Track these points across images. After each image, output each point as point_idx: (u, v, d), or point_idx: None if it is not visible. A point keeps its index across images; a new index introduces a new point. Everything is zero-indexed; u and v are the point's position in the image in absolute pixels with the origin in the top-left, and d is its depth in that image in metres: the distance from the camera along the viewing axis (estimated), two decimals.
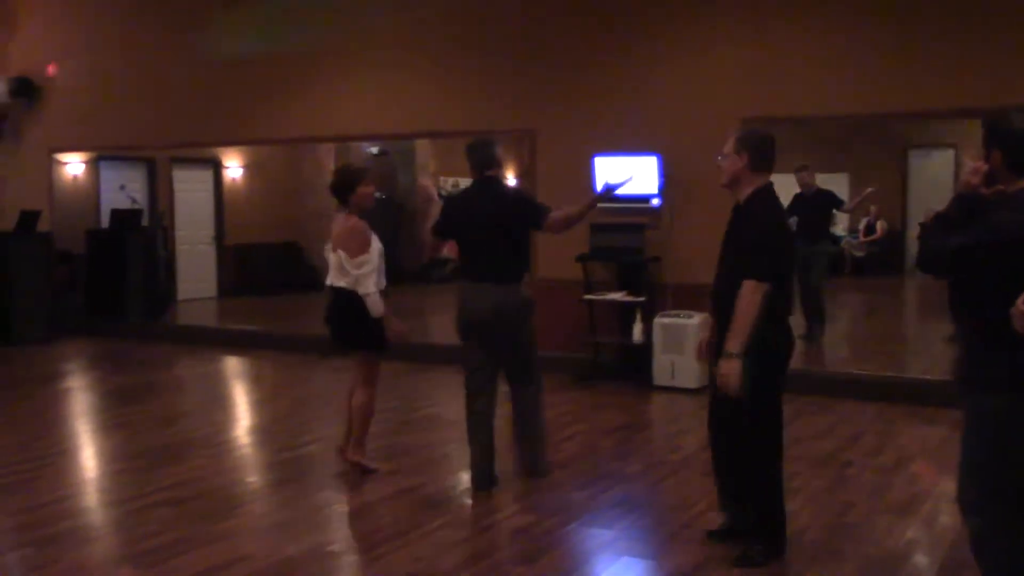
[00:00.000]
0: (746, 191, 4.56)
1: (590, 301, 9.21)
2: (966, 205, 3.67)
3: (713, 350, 4.67)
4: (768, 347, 4.46)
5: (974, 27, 7.95)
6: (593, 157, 9.02)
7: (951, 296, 3.66)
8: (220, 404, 9.38)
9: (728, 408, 4.58)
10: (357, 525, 5.44)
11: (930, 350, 10.63)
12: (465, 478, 6.20)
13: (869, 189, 12.05)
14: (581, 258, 9.18)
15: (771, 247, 4.47)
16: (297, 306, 15.21)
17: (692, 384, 8.58)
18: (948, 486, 5.73)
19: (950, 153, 19.53)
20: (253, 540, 5.17)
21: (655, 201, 8.94)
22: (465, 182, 19.95)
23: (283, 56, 11.14)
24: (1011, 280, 3.37)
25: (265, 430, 7.93)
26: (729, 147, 4.58)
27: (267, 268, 16.30)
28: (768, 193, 4.58)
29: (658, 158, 8.86)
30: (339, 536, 5.33)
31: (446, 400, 9.01)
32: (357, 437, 6.19)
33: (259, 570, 4.65)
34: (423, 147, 18.94)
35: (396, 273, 18.53)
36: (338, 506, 5.73)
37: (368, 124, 10.95)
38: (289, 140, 12.87)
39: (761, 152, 4.55)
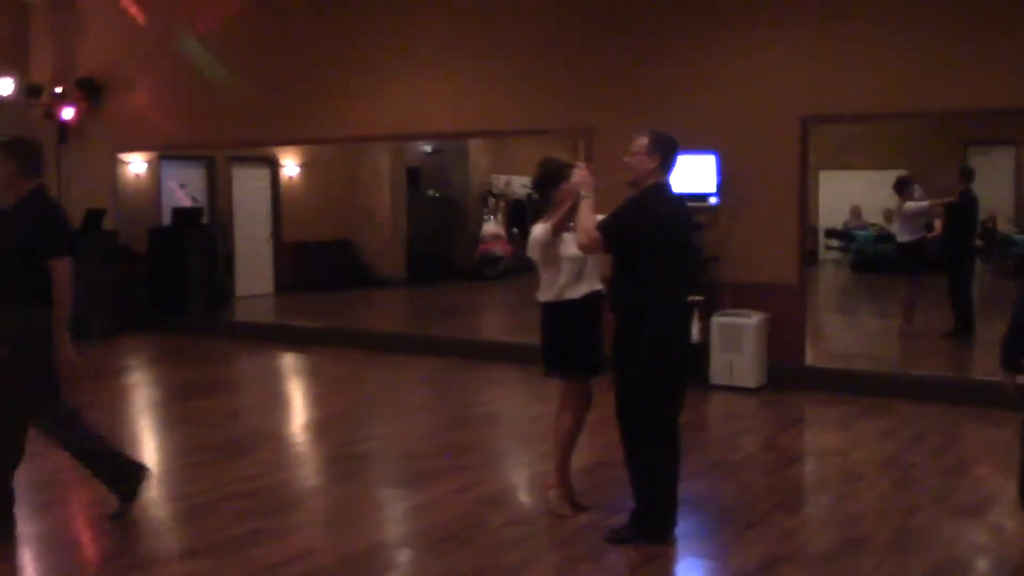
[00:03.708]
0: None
1: None
2: None
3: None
4: (624, 342, 4.78)
5: None
6: None
7: None
8: (281, 400, 9.52)
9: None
10: (419, 521, 5.48)
11: (993, 350, 10.46)
12: (526, 475, 6.25)
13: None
14: None
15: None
16: (352, 302, 15.38)
17: (751, 383, 8.54)
18: (1012, 487, 5.68)
19: (1011, 149, 19.22)
20: (319, 535, 5.26)
21: (713, 200, 8.90)
22: (518, 180, 19.94)
23: (339, 56, 11.25)
24: None
25: (326, 426, 8.02)
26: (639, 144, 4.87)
27: (323, 265, 16.48)
28: None
29: (716, 156, 8.81)
30: (402, 532, 5.38)
31: (501, 397, 9.08)
32: (554, 466, 5.48)
33: (326, 565, 4.72)
34: (477, 145, 19.03)
35: (450, 271, 18.78)
36: (400, 502, 5.78)
37: (424, 123, 11.00)
38: (345, 139, 12.99)
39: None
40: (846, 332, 12.14)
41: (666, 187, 4.95)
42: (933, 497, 5.78)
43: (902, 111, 8.95)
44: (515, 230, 19.88)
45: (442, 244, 18.76)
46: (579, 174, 5.04)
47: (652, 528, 4.92)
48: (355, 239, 17.42)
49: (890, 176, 12.30)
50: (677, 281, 4.94)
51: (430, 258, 18.23)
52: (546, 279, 5.27)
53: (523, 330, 12.70)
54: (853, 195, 19.66)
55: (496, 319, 15.01)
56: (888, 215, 16.17)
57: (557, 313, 5.26)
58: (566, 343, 5.25)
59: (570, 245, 5.12)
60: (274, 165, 16.21)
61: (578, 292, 5.20)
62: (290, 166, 16.44)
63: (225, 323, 13.10)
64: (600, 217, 4.92)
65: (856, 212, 19.43)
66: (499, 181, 20.11)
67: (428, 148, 18.83)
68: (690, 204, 5.52)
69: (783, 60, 8.77)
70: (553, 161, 5.39)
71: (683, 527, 5.06)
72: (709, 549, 4.97)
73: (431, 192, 19.14)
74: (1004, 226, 18.49)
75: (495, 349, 10.63)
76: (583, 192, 4.92)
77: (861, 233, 19.02)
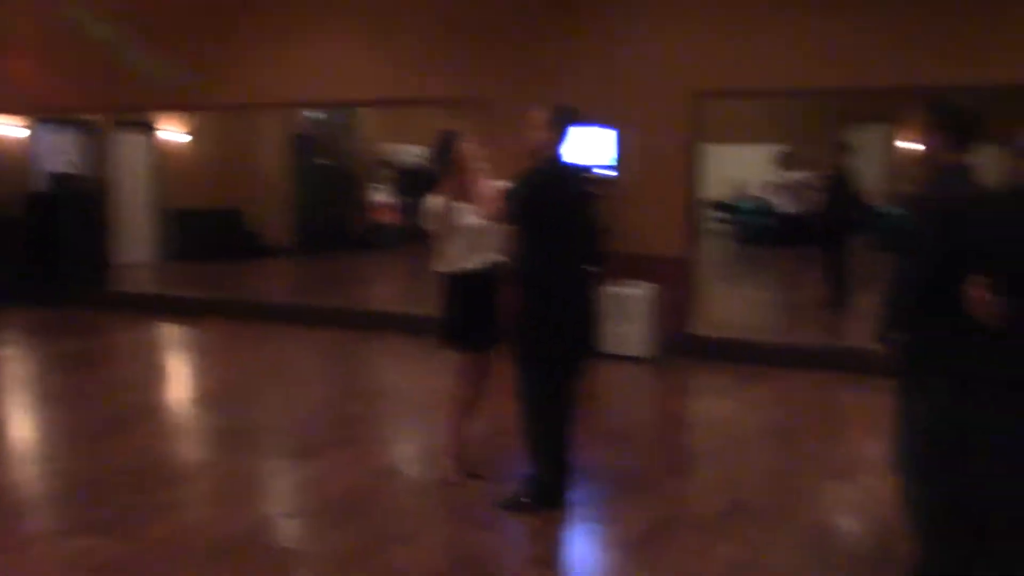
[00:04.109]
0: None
1: None
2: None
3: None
4: (529, 314, 4.83)
5: (919, 4, 8.12)
6: None
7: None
8: (167, 372, 9.29)
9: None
10: (312, 493, 5.42)
11: (868, 321, 10.90)
12: (419, 446, 6.27)
13: None
14: None
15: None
16: (239, 272, 15.08)
17: (640, 353, 8.71)
18: (884, 451, 5.98)
19: (886, 126, 19.97)
20: (209, 509, 5.17)
21: (609, 172, 9.00)
22: (408, 148, 19.83)
23: (229, 22, 10.94)
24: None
25: (215, 398, 7.83)
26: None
27: (208, 233, 16.09)
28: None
29: (615, 131, 8.90)
30: (294, 504, 5.31)
31: (394, 368, 9.06)
32: (449, 436, 5.56)
33: (217, 538, 4.65)
34: (366, 113, 18.78)
35: (339, 240, 18.50)
36: (292, 474, 5.71)
37: (318, 91, 10.75)
38: (233, 106, 12.66)
39: None
40: (730, 302, 12.47)
41: (562, 158, 5.00)
42: (813, 461, 6.03)
43: (790, 88, 9.17)
44: (406, 199, 19.76)
45: (331, 213, 18.51)
46: (469, 147, 5.07)
47: (547, 495, 5.01)
48: (242, 207, 17.05)
49: (770, 151, 12.67)
50: (581, 253, 4.99)
51: (319, 227, 17.98)
52: (443, 249, 5.29)
53: (415, 300, 12.66)
54: (735, 169, 20.14)
55: (387, 289, 14.93)
56: (771, 188, 16.68)
57: (454, 284, 5.28)
58: (464, 314, 5.28)
59: (467, 214, 5.17)
60: (158, 131, 15.71)
61: (476, 263, 5.24)
62: (175, 132, 15.96)
63: (106, 293, 12.67)
64: (500, 186, 4.96)
65: (739, 185, 19.93)
66: (389, 150, 19.94)
67: (317, 116, 18.51)
68: (587, 177, 5.59)
69: (677, 37, 8.90)
70: (448, 132, 5.40)
71: (576, 493, 5.15)
72: (602, 514, 5.06)
73: (320, 160, 18.84)
74: (877, 200, 19.23)
75: (387, 320, 10.59)
76: (477, 164, 4.96)
77: (744, 205, 19.54)
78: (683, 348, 8.90)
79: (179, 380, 8.98)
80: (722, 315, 11.35)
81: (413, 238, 18.96)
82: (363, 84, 10.37)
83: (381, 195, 19.01)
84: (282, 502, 5.36)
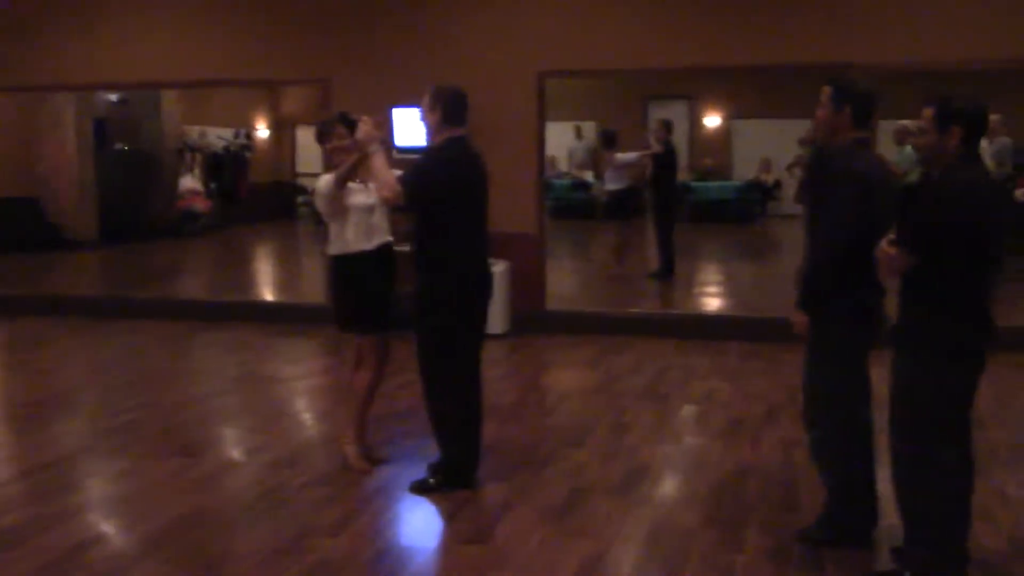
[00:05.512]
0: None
1: None
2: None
3: None
4: (425, 289, 4.89)
5: None
6: (390, 109, 8.93)
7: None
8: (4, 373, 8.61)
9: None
10: (214, 491, 5.15)
11: (692, 289, 11.50)
12: (313, 434, 6.14)
13: None
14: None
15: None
16: (42, 265, 14.08)
17: (497, 330, 8.79)
18: (758, 409, 6.40)
19: (685, 103, 20.98)
20: (108, 516, 4.89)
21: None
22: (213, 131, 19.04)
23: None
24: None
25: (72, 400, 7.28)
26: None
27: (1, 225, 14.89)
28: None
29: None
30: (199, 503, 4.98)
31: (253, 358, 8.69)
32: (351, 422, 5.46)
33: (126, 544, 4.44)
34: (169, 95, 17.85)
35: (146, 228, 17.56)
36: (186, 473, 5.37)
37: (129, 72, 10.18)
38: (30, 88, 11.74)
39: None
40: (565, 276, 12.78)
41: (461, 140, 5.00)
42: (695, 421, 6.36)
43: (631, 67, 9.41)
44: (213, 185, 19.08)
45: (136, 200, 17.50)
46: (363, 128, 5.02)
47: (457, 474, 5.05)
48: (38, 196, 15.89)
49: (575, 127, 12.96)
50: (477, 232, 5.05)
51: (124, 216, 16.98)
52: (334, 231, 5.24)
53: (235, 288, 12.24)
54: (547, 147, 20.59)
55: (202, 278, 14.34)
56: (585, 164, 17.19)
57: (348, 266, 5.22)
58: (359, 297, 5.23)
59: (357, 195, 5.13)
60: None
61: (369, 244, 5.20)
62: None
63: None
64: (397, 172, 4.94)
65: (552, 162, 20.38)
66: (194, 133, 19.12)
67: (115, 97, 17.46)
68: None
69: (521, 16, 9.01)
70: (326, 118, 5.40)
71: (481, 470, 5.20)
72: (513, 489, 5.12)
73: (120, 145, 17.80)
74: (680, 175, 20.14)
75: (211, 310, 10.23)
76: (370, 147, 4.91)
77: (558, 182, 19.98)
78: (538, 323, 9.09)
79: (22, 382, 8.17)
80: (560, 289, 11.64)
81: (222, 224, 18.41)
82: (184, 65, 9.89)
83: (189, 181, 18.24)
84: (187, 502, 5.00)
